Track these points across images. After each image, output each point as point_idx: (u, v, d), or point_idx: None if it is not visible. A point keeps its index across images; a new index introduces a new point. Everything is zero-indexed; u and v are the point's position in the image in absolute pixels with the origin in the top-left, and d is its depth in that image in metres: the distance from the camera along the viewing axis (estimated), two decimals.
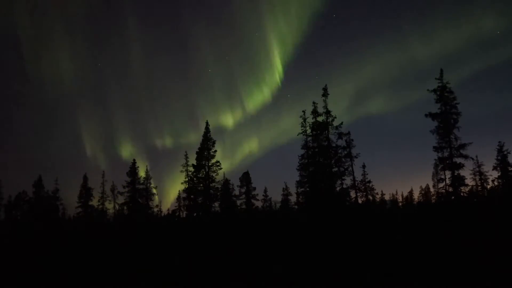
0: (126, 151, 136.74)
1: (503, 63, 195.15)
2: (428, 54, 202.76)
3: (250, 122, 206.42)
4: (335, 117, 35.82)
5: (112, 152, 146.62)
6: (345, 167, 36.15)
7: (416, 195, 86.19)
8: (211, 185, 42.85)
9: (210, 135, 43.83)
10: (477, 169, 53.80)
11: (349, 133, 37.30)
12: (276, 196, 70.72)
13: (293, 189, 66.06)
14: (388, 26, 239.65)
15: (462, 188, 32.31)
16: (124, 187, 50.99)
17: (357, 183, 38.06)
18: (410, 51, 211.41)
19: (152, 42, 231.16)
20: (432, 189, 73.11)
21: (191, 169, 44.50)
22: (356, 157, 36.79)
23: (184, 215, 59.28)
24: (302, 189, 41.34)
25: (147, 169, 54.94)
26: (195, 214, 44.52)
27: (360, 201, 40.43)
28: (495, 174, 50.52)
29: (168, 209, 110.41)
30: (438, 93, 33.47)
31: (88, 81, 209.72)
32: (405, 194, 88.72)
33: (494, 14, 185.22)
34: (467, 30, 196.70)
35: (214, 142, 43.60)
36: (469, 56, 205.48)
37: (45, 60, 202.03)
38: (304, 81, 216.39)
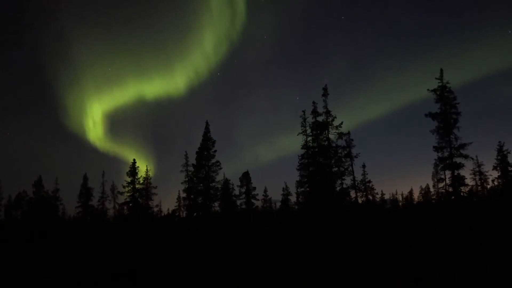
0: None
1: None
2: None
3: None
4: (335, 117, 35.88)
5: None
6: (345, 167, 36.20)
7: (416, 195, 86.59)
8: (211, 185, 42.86)
9: (210, 135, 43.85)
10: (477, 169, 53.93)
11: (349, 133, 37.35)
12: (276, 196, 70.87)
13: (293, 189, 66.16)
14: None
15: (462, 188, 32.31)
16: (124, 187, 50.96)
17: (357, 183, 38.14)
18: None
19: None
20: (432, 189, 73.23)
21: (191, 169, 44.55)
22: (356, 157, 36.89)
23: (184, 215, 59.34)
24: (302, 189, 41.38)
25: (147, 169, 55.04)
26: (195, 214, 44.53)
27: (360, 201, 40.52)
28: (495, 174, 50.61)
29: (168, 209, 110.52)
30: (438, 93, 33.47)
31: None
32: (405, 194, 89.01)
33: None
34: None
35: (214, 142, 43.63)
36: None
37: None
38: None
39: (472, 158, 33.73)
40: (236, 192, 52.50)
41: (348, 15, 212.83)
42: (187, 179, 45.80)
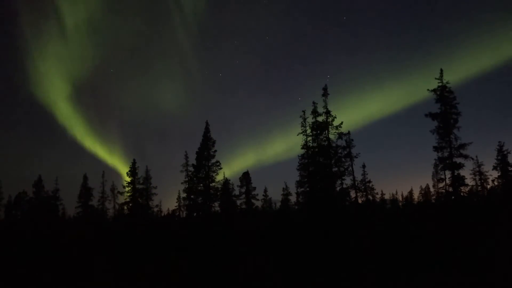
0: None
1: None
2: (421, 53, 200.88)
3: None
4: (335, 117, 35.83)
5: None
6: (345, 167, 36.14)
7: (416, 195, 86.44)
8: (211, 185, 42.84)
9: (210, 135, 43.82)
10: (477, 169, 53.93)
11: (349, 133, 37.32)
12: (276, 196, 70.87)
13: (293, 189, 66.12)
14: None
15: (462, 188, 32.32)
16: (124, 187, 50.99)
17: (357, 183, 38.06)
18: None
19: None
20: (432, 189, 73.27)
21: (191, 169, 44.54)
22: (356, 157, 36.83)
23: (184, 215, 59.30)
24: (302, 189, 41.29)
25: (147, 169, 55.01)
26: (195, 214, 44.51)
27: (360, 201, 40.43)
28: (495, 174, 50.58)
29: (168, 209, 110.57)
30: (438, 93, 33.47)
31: None
32: (405, 194, 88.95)
33: None
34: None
35: (214, 142, 43.60)
36: None
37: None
38: None
39: (472, 158, 33.74)
40: (236, 192, 52.49)
41: (349, 15, 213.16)
42: (187, 179, 45.80)
